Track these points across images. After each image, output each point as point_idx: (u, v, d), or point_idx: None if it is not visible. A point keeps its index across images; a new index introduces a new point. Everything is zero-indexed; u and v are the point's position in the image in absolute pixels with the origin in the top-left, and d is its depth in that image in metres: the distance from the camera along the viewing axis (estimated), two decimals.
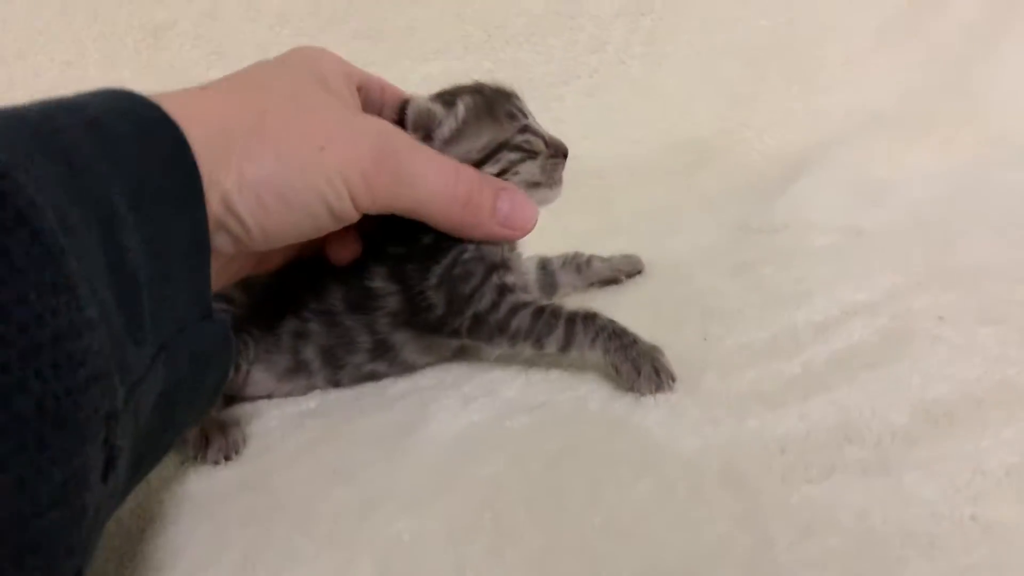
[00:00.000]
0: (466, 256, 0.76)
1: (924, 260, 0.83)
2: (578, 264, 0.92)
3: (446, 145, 0.76)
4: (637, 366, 0.68)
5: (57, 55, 1.09)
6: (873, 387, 0.64)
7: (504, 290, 0.76)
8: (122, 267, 0.44)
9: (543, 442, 0.65)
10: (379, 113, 0.76)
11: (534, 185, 0.80)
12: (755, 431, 0.62)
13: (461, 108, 0.78)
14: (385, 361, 0.80)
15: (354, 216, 0.65)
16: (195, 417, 0.62)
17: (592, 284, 0.92)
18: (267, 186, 0.58)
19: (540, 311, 0.73)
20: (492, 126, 0.79)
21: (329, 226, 0.65)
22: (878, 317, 0.74)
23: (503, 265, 0.77)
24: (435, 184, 0.68)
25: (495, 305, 0.75)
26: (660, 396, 0.68)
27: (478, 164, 0.76)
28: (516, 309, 0.74)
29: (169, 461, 0.73)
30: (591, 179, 0.89)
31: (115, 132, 0.48)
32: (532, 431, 0.67)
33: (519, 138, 0.79)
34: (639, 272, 0.93)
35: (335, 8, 1.13)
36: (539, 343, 0.73)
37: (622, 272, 0.93)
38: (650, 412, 0.66)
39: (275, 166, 0.59)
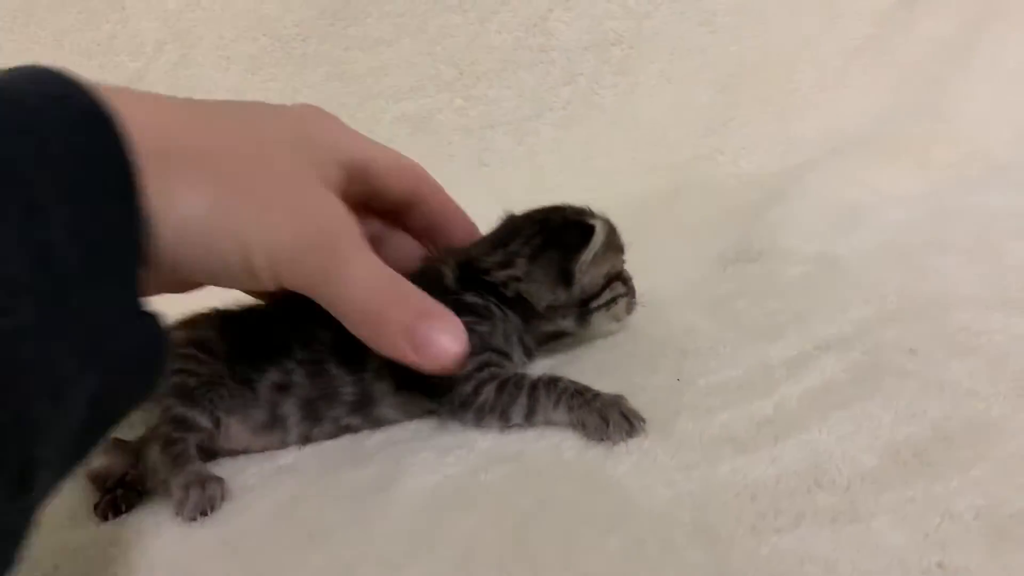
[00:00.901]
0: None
1: (897, 289, 0.83)
2: None
3: (591, 266, 0.80)
4: (604, 416, 0.68)
5: None
6: (844, 427, 0.64)
7: (483, 366, 0.75)
8: (46, 261, 0.42)
9: (517, 497, 0.65)
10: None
11: (615, 319, 0.85)
12: (727, 477, 0.61)
13: (601, 233, 0.79)
14: (361, 415, 0.80)
15: (269, 288, 0.60)
16: (123, 418, 0.54)
17: None
18: (192, 221, 0.54)
19: (504, 384, 0.73)
20: (614, 255, 0.83)
21: (244, 287, 0.63)
22: (850, 351, 0.74)
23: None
24: (357, 291, 0.63)
25: (466, 378, 0.74)
26: (633, 442, 0.68)
27: (599, 291, 0.81)
28: (483, 383, 0.74)
29: (145, 515, 0.73)
30: None
31: (42, 117, 0.44)
32: (506, 485, 0.67)
33: (626, 272, 0.84)
34: None
35: (306, 52, 1.14)
36: (504, 416, 0.73)
37: None
38: (622, 461, 0.66)
39: (208, 205, 0.54)
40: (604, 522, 0.60)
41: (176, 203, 0.52)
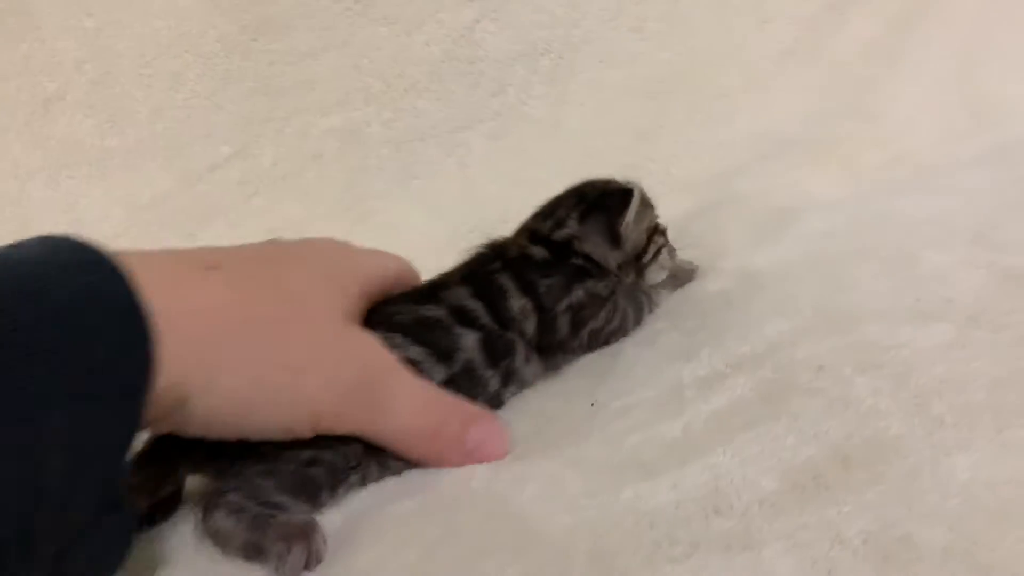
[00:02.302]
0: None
1: (811, 303, 0.83)
2: None
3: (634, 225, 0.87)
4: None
5: None
6: (748, 450, 0.64)
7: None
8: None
9: (423, 528, 0.64)
10: None
11: (662, 268, 0.92)
12: (629, 504, 0.61)
13: (638, 194, 0.88)
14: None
15: (308, 435, 0.63)
16: None
17: None
18: (232, 399, 0.57)
19: None
20: (651, 211, 0.92)
21: (276, 437, 0.63)
22: (760, 369, 0.74)
23: None
24: (404, 418, 0.68)
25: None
26: (544, 465, 0.68)
27: (645, 246, 0.89)
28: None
29: None
30: (498, 225, 0.89)
31: (77, 323, 0.47)
32: (414, 516, 0.67)
33: (661, 223, 0.92)
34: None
35: (229, 67, 1.12)
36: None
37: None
38: (527, 487, 0.66)
39: (248, 383, 0.58)
40: (505, 553, 0.59)
41: (215, 384, 0.55)
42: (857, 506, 0.56)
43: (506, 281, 0.81)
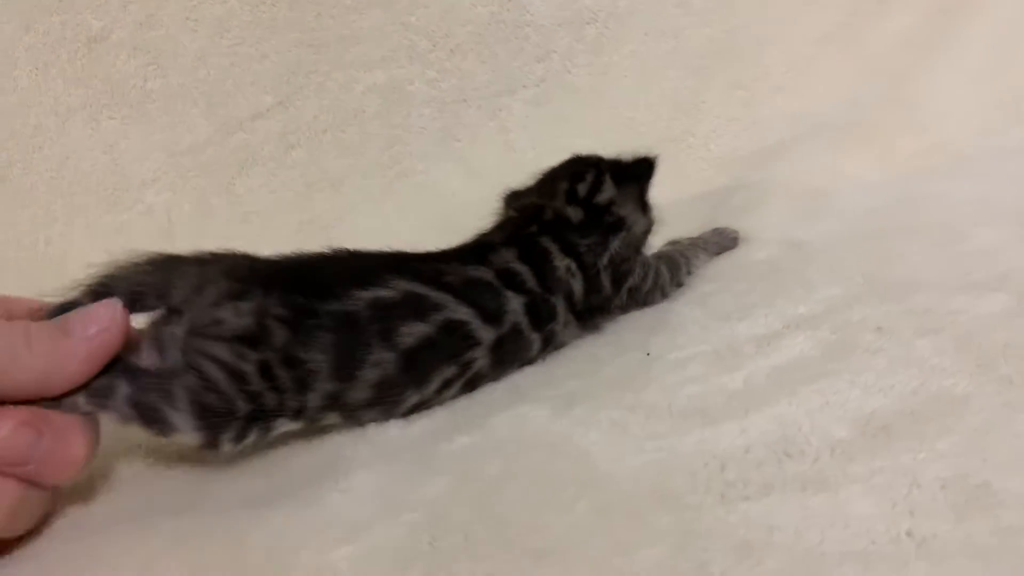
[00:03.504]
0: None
1: (862, 273, 0.83)
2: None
3: None
4: None
5: None
6: (813, 401, 0.64)
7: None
8: None
9: (484, 464, 0.64)
10: None
11: None
12: (695, 447, 0.61)
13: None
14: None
15: None
16: None
17: None
18: None
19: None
20: None
21: None
22: (819, 330, 0.74)
23: None
24: None
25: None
26: (603, 412, 0.68)
27: None
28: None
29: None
30: None
31: None
32: (472, 453, 0.66)
33: None
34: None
35: (276, 16, 1.11)
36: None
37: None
38: (590, 430, 0.66)
39: None
40: (572, 489, 0.59)
41: None
42: (931, 454, 0.56)
43: (548, 244, 0.81)
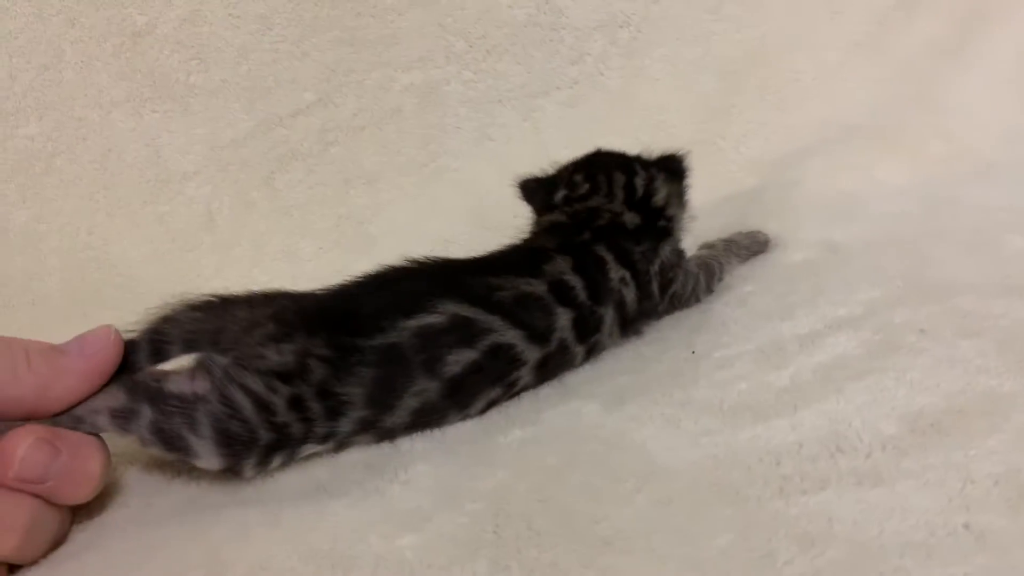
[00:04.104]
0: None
1: (901, 275, 0.85)
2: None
3: None
4: None
5: (34, 58, 1.08)
6: (860, 398, 0.66)
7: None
8: None
9: (541, 456, 0.66)
10: None
11: None
12: (749, 442, 0.63)
13: None
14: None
15: None
16: None
17: None
18: None
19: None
20: None
21: None
22: (861, 330, 0.76)
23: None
24: None
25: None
26: (655, 408, 0.70)
27: None
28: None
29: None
30: None
31: None
32: (529, 446, 0.68)
33: None
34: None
35: (317, 14, 1.13)
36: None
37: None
38: (644, 425, 0.67)
39: None
40: (631, 480, 0.61)
41: None
42: (982, 451, 0.58)
43: (604, 253, 0.81)
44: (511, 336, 0.72)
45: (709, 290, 0.91)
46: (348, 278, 0.76)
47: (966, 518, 0.52)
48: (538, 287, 0.76)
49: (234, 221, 1.13)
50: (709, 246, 0.96)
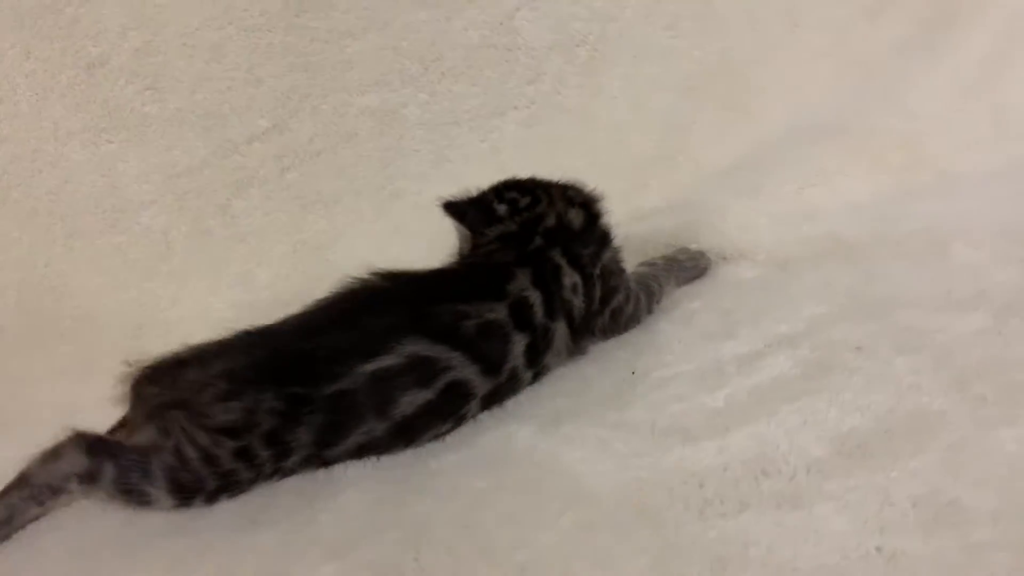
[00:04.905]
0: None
1: (845, 290, 0.85)
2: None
3: None
4: None
5: None
6: (792, 420, 0.66)
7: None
8: None
9: (471, 481, 0.66)
10: None
11: None
12: (676, 465, 0.63)
13: None
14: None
15: None
16: None
17: None
18: None
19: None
20: None
21: None
22: (799, 349, 0.76)
23: None
24: None
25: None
26: (588, 430, 0.69)
27: None
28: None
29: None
30: None
31: None
32: (460, 470, 0.68)
33: None
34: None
35: (271, 41, 1.13)
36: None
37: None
38: (576, 448, 0.67)
39: None
40: (557, 504, 0.61)
41: None
42: (904, 472, 0.58)
43: (559, 258, 0.82)
44: (468, 372, 0.73)
45: (649, 311, 0.90)
46: (310, 302, 0.78)
47: (879, 541, 0.52)
48: (500, 312, 0.76)
49: (191, 249, 1.12)
50: (650, 264, 0.95)
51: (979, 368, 0.68)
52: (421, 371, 0.71)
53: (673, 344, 0.83)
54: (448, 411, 0.73)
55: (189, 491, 0.69)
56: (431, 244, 1.06)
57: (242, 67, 1.14)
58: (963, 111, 1.26)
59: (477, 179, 1.16)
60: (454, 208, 0.87)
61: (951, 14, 1.32)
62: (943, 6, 1.32)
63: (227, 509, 0.70)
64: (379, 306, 0.76)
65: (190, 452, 0.69)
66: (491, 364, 0.74)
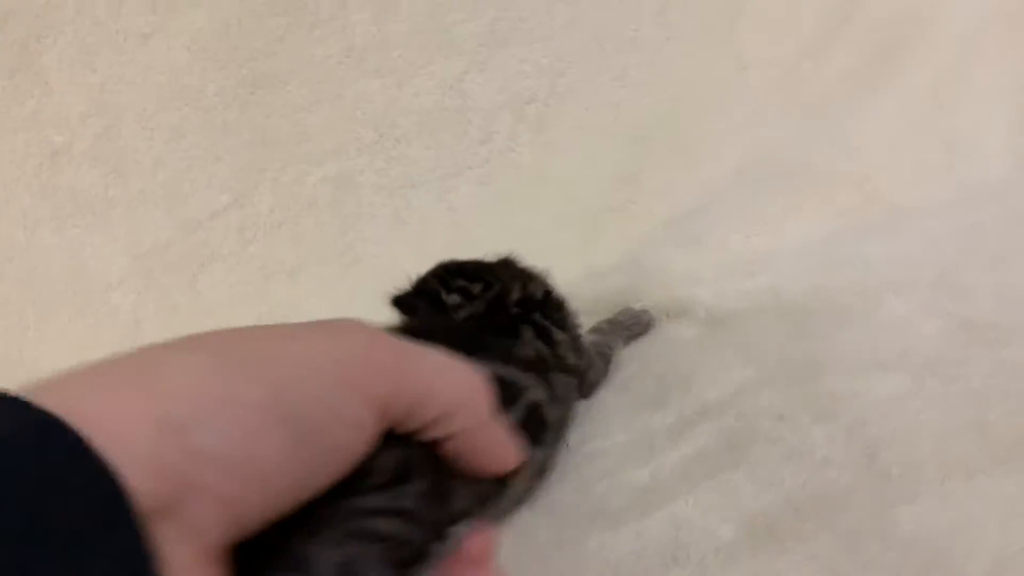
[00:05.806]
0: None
1: (776, 350, 0.88)
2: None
3: None
4: None
5: None
6: (708, 499, 0.68)
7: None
8: None
9: None
10: None
11: None
12: (594, 554, 0.66)
13: None
14: None
15: None
16: None
17: None
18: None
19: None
20: None
21: None
22: (725, 417, 0.78)
23: None
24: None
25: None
26: (519, 517, 0.72)
27: None
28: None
29: None
30: None
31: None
32: None
33: None
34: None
35: (227, 119, 1.17)
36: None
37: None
38: (502, 538, 0.70)
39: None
40: None
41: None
42: (805, 556, 0.61)
43: (542, 320, 0.81)
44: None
45: (606, 376, 0.92)
46: None
47: None
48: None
49: (160, 327, 1.16)
50: (597, 331, 0.98)
51: (890, 438, 0.70)
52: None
53: (612, 415, 0.85)
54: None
55: None
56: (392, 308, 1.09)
57: (201, 145, 1.18)
58: (912, 145, 1.28)
59: (436, 239, 1.21)
60: (403, 304, 0.87)
61: (898, 47, 1.34)
62: (889, 39, 1.35)
63: None
64: None
65: None
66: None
